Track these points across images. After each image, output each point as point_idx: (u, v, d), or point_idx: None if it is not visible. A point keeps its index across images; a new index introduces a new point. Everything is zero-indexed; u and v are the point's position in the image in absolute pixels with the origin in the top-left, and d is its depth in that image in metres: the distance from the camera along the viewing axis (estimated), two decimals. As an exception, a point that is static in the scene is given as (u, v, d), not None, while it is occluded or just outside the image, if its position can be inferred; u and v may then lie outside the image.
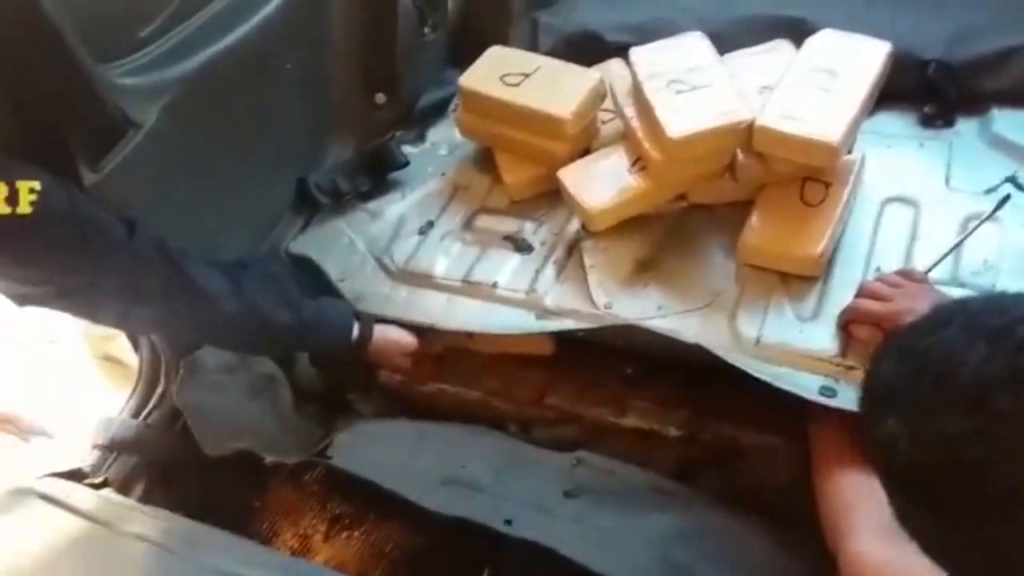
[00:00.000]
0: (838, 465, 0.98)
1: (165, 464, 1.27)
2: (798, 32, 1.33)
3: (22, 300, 1.02)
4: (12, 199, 0.88)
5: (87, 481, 1.21)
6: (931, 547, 0.56)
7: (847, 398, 1.05)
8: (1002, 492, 0.50)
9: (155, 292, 1.05)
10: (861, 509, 0.90)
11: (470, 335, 1.26)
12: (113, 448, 1.24)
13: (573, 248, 1.30)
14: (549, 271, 1.28)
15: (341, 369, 1.33)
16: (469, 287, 1.29)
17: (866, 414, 0.59)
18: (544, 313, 1.24)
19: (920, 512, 0.56)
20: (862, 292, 1.10)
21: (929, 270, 1.13)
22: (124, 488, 1.23)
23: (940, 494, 0.53)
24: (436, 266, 1.33)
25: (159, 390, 1.28)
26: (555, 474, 1.19)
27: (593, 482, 1.17)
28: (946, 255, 1.15)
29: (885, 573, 0.82)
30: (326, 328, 1.21)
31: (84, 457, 1.24)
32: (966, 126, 1.37)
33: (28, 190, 0.89)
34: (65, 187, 0.96)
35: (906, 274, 1.11)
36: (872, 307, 1.06)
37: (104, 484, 1.22)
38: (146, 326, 1.17)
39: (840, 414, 1.01)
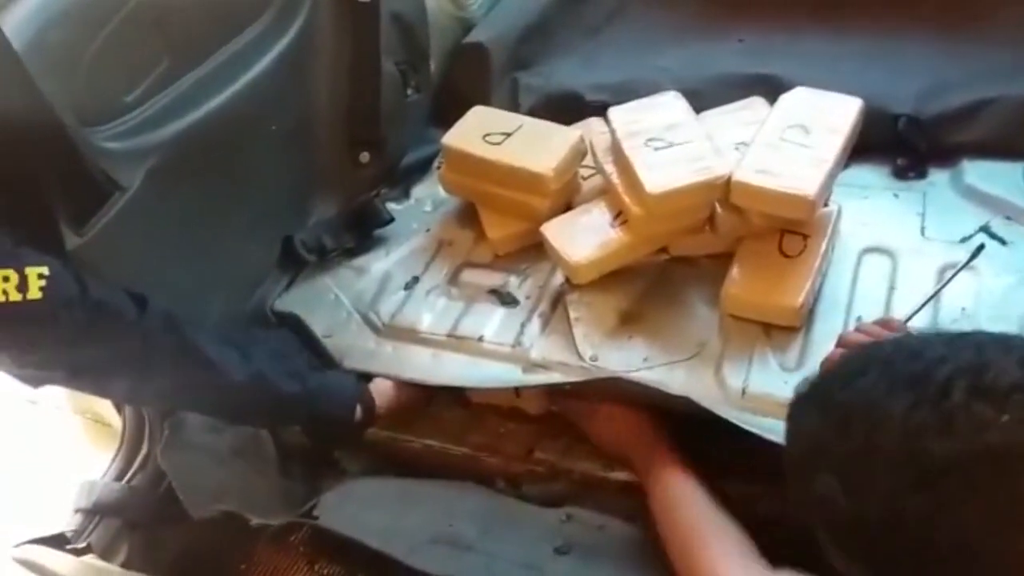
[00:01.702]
0: (681, 506, 1.01)
1: (149, 527, 1.25)
2: (771, 90, 1.37)
3: (36, 381, 1.02)
4: (22, 286, 0.89)
5: (69, 547, 1.18)
6: None
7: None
8: (950, 546, 0.48)
9: (166, 367, 1.06)
10: (728, 550, 0.93)
11: (518, 392, 1.25)
12: (96, 512, 1.22)
13: (558, 301, 1.31)
14: (534, 324, 1.29)
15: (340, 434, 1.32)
16: (455, 341, 1.30)
17: (794, 471, 0.57)
18: (530, 366, 1.24)
19: (864, 570, 0.54)
20: (841, 342, 1.11)
21: (908, 319, 1.15)
22: (107, 553, 1.20)
23: (884, 551, 0.51)
24: (422, 321, 1.34)
25: (143, 451, 1.26)
26: (545, 531, 1.18)
27: (583, 538, 1.16)
28: (924, 304, 1.16)
29: None
30: (334, 395, 1.21)
31: (66, 521, 1.22)
32: (939, 177, 1.40)
33: (37, 276, 0.90)
34: (72, 271, 0.98)
35: (885, 323, 1.12)
36: None
37: (87, 549, 1.20)
38: (157, 400, 1.17)
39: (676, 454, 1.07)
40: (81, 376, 1.03)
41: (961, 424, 0.47)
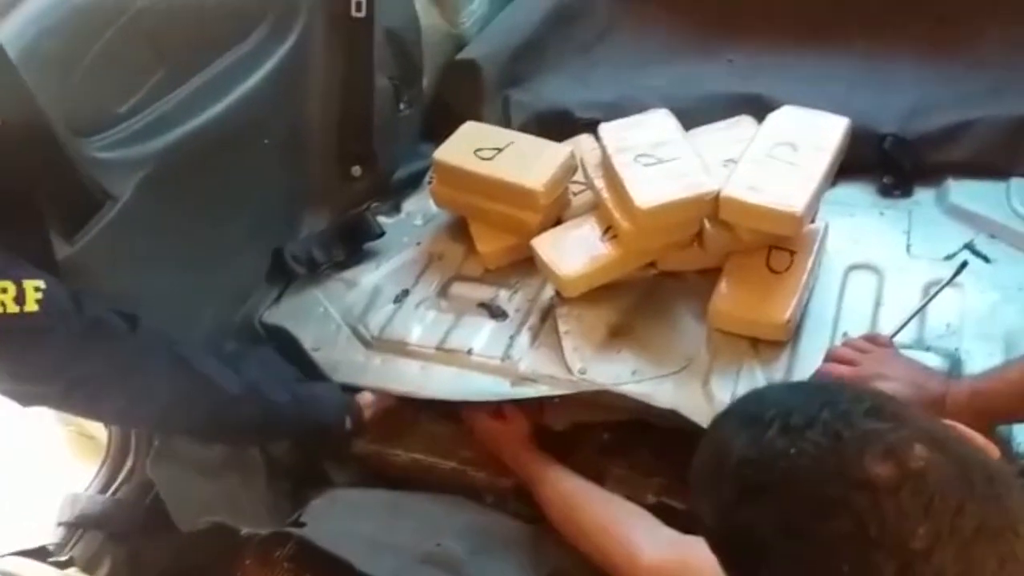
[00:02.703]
0: (589, 501, 1.13)
1: (134, 540, 1.24)
2: (759, 108, 1.39)
3: (28, 399, 1.02)
4: (20, 298, 0.89)
5: (51, 560, 1.17)
6: None
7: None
8: (764, 546, 0.59)
9: (160, 382, 1.06)
10: (635, 528, 1.06)
11: (542, 407, 1.27)
12: (80, 525, 1.21)
13: (547, 315, 1.31)
14: (524, 337, 1.30)
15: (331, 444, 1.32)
16: (444, 354, 1.30)
17: (692, 493, 0.68)
18: (519, 379, 1.25)
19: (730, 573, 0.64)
20: (829, 357, 1.12)
21: (894, 335, 1.16)
22: (90, 566, 1.19)
23: (731, 555, 0.63)
24: (411, 334, 1.34)
25: (128, 464, 1.25)
26: (534, 550, 1.18)
27: (575, 556, 1.16)
28: (908, 320, 1.18)
29: (689, 567, 0.91)
30: (323, 405, 1.23)
31: (49, 534, 1.21)
32: (924, 195, 1.42)
33: (34, 288, 0.91)
34: (65, 288, 0.98)
35: (872, 339, 1.13)
36: (840, 371, 1.08)
37: (69, 563, 1.18)
38: (149, 419, 1.16)
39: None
40: (75, 392, 1.02)
41: (766, 454, 0.59)
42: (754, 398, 0.66)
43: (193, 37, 1.24)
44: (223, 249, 1.32)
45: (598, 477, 1.24)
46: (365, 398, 1.27)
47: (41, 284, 0.91)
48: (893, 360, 1.08)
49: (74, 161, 1.05)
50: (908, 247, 1.33)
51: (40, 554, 1.17)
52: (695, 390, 1.17)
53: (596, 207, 1.34)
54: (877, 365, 1.06)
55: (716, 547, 0.64)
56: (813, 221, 1.27)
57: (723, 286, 1.24)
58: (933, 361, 1.13)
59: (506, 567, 1.16)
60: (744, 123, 1.39)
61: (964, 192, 1.39)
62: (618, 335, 1.26)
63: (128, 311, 1.06)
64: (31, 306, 0.90)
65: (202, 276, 1.28)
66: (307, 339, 1.35)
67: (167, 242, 1.20)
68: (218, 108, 1.25)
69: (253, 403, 1.13)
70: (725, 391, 1.16)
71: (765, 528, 0.58)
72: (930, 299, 1.20)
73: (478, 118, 1.55)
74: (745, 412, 0.64)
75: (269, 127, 1.36)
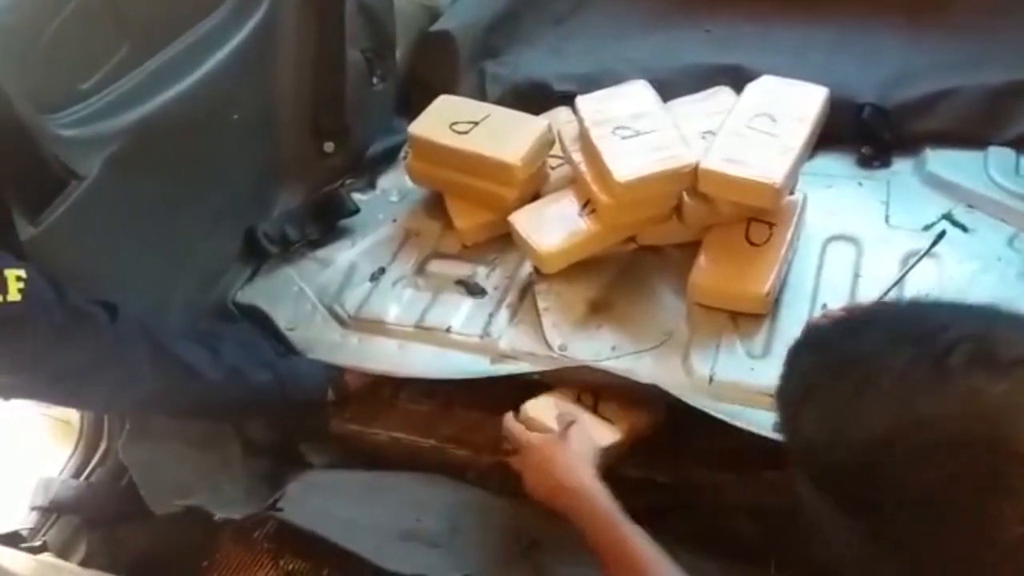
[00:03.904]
0: (616, 540, 0.94)
1: (108, 524, 1.22)
2: (737, 79, 1.38)
3: (8, 392, 1.02)
4: (1, 288, 0.88)
5: (25, 545, 1.16)
6: (846, 549, 0.56)
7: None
8: (919, 496, 0.51)
9: (141, 374, 1.05)
10: (656, 569, 0.89)
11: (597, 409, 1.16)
12: (53, 509, 1.20)
13: (526, 291, 1.30)
14: (503, 315, 1.28)
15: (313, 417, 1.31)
16: (422, 332, 1.29)
17: (784, 410, 0.59)
18: (499, 357, 1.24)
19: (835, 514, 0.56)
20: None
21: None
22: (64, 551, 1.18)
23: (857, 495, 0.54)
24: (388, 312, 1.32)
25: (102, 447, 1.24)
26: (514, 524, 1.17)
27: (554, 533, 1.16)
28: (888, 291, 1.18)
29: None
30: (304, 379, 1.22)
31: (23, 520, 1.19)
32: (902, 166, 1.42)
33: (16, 278, 0.90)
34: (47, 276, 0.97)
35: (849, 310, 1.13)
36: None
37: (43, 548, 1.17)
38: (134, 407, 1.16)
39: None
40: (57, 384, 1.02)
41: (957, 385, 0.49)
42: (909, 313, 0.57)
43: (158, 11, 1.21)
44: (194, 228, 1.30)
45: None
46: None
47: (23, 273, 0.90)
48: None
49: (37, 139, 1.02)
50: (887, 218, 1.32)
51: (13, 539, 1.16)
52: (675, 364, 1.17)
53: (574, 181, 1.33)
54: None
55: (830, 488, 0.55)
56: (792, 193, 1.26)
57: (702, 260, 1.23)
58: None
59: (486, 540, 1.15)
60: (722, 94, 1.37)
61: (942, 162, 1.38)
62: (597, 311, 1.25)
63: (100, 296, 1.05)
64: (13, 295, 0.89)
65: (172, 256, 1.25)
66: (282, 318, 1.33)
67: (135, 222, 1.18)
68: (186, 84, 1.22)
69: (235, 387, 1.13)
70: (705, 365, 1.15)
71: (931, 477, 0.50)
72: (908, 269, 1.20)
73: (453, 91, 1.53)
74: (902, 327, 0.54)
75: (239, 103, 1.33)
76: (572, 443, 1.04)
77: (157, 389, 1.08)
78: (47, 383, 1.01)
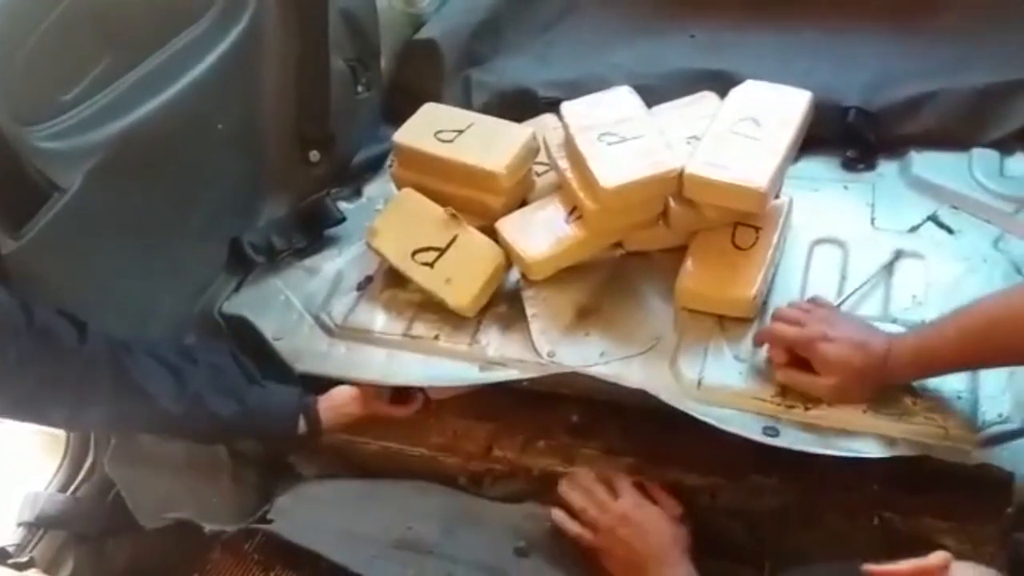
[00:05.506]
0: None
1: (96, 539, 1.21)
2: (722, 84, 1.38)
3: None
4: None
5: (11, 561, 1.14)
6: None
7: (790, 437, 1.06)
8: None
9: (102, 398, 1.04)
10: None
11: None
12: (39, 524, 1.18)
13: (514, 298, 1.30)
14: (491, 322, 1.28)
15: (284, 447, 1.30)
16: (410, 341, 1.28)
17: None
18: (488, 364, 1.23)
19: None
20: (776, 317, 1.13)
21: (840, 303, 1.17)
22: (51, 567, 1.17)
23: None
24: (376, 321, 1.31)
25: (89, 461, 1.22)
26: (506, 530, 1.17)
27: (544, 536, 1.15)
28: (855, 291, 1.19)
29: None
30: (273, 411, 1.18)
31: (9, 535, 1.17)
32: (887, 168, 1.42)
33: None
34: (18, 298, 0.95)
35: (813, 301, 1.14)
36: (786, 331, 1.09)
37: (30, 564, 1.16)
38: (96, 426, 1.15)
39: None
40: (22, 404, 1.00)
41: None
42: None
43: (140, 21, 1.20)
44: (179, 239, 1.29)
45: (569, 459, 1.24)
46: (345, 396, 1.23)
47: None
48: (837, 319, 1.09)
49: (17, 152, 1.01)
50: (872, 220, 1.33)
51: (-1, 556, 1.15)
52: (663, 369, 1.16)
53: (560, 188, 1.33)
54: (821, 325, 1.07)
55: None
56: (778, 196, 1.26)
57: (689, 264, 1.23)
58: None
59: (478, 543, 1.15)
60: (707, 99, 1.37)
61: (927, 164, 1.39)
62: (585, 317, 1.25)
63: (78, 313, 1.03)
64: None
65: (157, 267, 1.24)
66: (268, 328, 1.32)
67: (119, 234, 1.17)
68: (169, 94, 1.21)
69: (195, 418, 1.10)
70: (693, 369, 1.15)
71: None
72: (879, 273, 1.20)
73: (438, 99, 1.53)
74: None
75: (223, 113, 1.32)
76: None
77: (115, 413, 1.07)
78: (11, 405, 1.00)
